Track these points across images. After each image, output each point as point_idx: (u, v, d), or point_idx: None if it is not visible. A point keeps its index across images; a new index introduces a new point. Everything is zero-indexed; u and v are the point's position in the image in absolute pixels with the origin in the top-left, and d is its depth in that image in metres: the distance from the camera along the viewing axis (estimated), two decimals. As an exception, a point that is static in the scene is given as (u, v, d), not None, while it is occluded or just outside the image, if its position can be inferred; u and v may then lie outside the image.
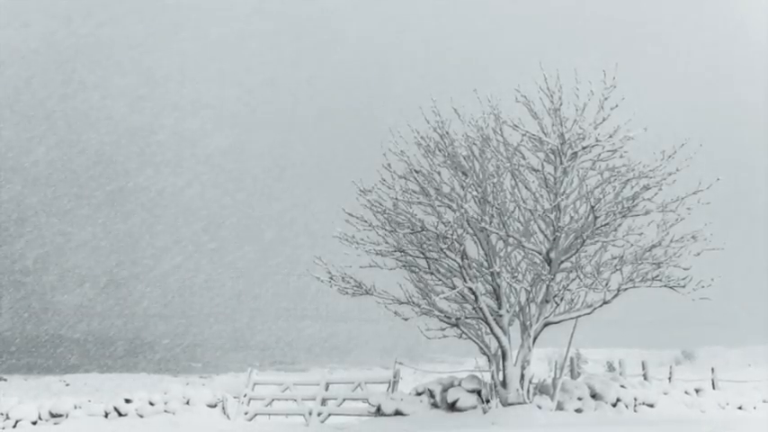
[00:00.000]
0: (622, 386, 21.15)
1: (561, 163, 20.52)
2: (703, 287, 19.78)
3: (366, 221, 21.16)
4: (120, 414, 24.23)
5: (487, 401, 20.11)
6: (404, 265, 21.17)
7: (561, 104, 20.64)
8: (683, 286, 19.99)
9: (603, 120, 20.73)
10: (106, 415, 24.17)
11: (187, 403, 24.99)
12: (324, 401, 23.11)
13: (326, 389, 23.35)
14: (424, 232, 20.75)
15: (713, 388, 24.58)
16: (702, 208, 20.37)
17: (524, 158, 20.84)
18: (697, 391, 22.55)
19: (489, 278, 20.78)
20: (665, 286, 20.21)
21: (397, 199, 21.01)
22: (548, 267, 20.48)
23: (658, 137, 20.68)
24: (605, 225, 20.36)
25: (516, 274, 20.80)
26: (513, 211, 20.87)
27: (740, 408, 21.69)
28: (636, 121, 20.56)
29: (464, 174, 20.91)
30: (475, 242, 21.04)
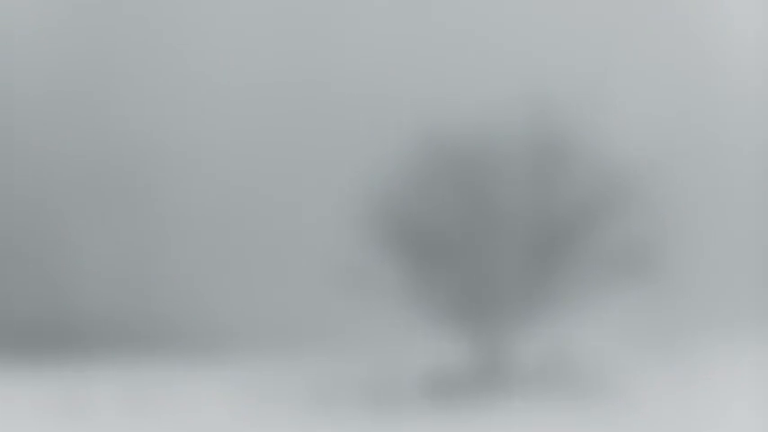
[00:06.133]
0: (611, 376, 22.04)
1: (551, 160, 21.53)
2: (687, 279, 20.78)
3: (366, 219, 22.21)
4: (138, 404, 25.31)
5: (480, 393, 21.03)
6: (401, 261, 22.17)
7: (551, 105, 21.67)
8: (668, 279, 20.98)
9: (593, 120, 21.76)
10: (125, 404, 25.23)
11: (204, 393, 26.02)
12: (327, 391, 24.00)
13: (329, 379, 24.22)
14: (421, 229, 21.79)
15: (698, 378, 25.38)
16: (686, 204, 21.30)
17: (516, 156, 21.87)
18: (682, 381, 23.39)
19: (483, 274, 21.74)
20: (650, 280, 21.21)
21: (395, 199, 22.06)
22: (537, 263, 21.48)
23: (646, 135, 21.60)
24: (594, 221, 21.38)
25: (508, 270, 21.78)
26: (506, 208, 21.86)
27: (723, 397, 22.47)
28: (624, 122, 21.52)
29: (460, 173, 21.92)
30: (469, 239, 22.04)
